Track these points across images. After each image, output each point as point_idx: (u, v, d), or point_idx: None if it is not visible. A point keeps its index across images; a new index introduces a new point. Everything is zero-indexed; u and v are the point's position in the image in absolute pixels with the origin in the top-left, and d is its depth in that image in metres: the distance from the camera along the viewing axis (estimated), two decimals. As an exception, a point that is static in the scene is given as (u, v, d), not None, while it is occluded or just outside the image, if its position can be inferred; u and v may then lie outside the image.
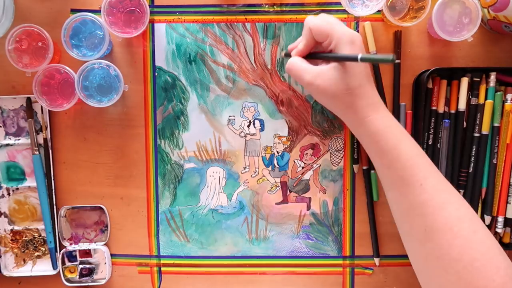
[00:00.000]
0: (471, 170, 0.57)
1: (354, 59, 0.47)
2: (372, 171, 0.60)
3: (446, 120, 0.57)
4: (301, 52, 0.52)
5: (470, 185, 0.57)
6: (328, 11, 0.59)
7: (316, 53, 0.53)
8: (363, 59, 0.45)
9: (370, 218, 0.60)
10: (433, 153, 0.57)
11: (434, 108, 0.57)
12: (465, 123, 0.57)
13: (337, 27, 0.49)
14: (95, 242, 0.62)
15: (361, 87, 0.49)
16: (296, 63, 0.52)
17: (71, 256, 0.62)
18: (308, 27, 0.51)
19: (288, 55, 0.57)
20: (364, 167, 0.60)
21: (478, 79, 0.56)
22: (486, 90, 0.56)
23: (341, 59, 0.49)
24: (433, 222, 0.45)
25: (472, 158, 0.57)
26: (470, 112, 0.57)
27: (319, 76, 0.49)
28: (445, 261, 0.44)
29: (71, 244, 0.62)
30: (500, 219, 0.57)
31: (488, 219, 0.57)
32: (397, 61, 0.59)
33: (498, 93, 0.56)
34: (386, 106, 0.55)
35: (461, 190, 0.57)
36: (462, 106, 0.56)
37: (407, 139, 0.49)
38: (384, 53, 0.59)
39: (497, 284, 0.42)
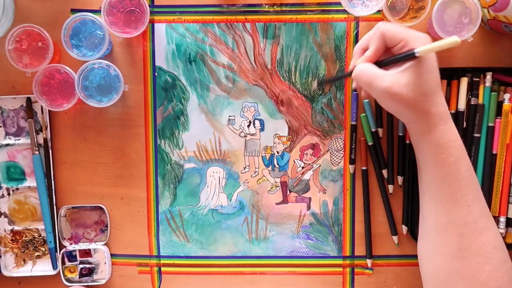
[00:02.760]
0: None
1: (410, 55, 0.45)
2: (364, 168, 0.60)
3: (446, 120, 0.57)
4: (370, 58, 0.49)
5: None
6: (328, 11, 0.59)
7: (382, 61, 0.49)
8: (423, 51, 0.44)
9: (366, 218, 0.60)
10: (433, 153, 0.57)
11: (434, 108, 0.57)
12: (465, 123, 0.57)
13: (411, 31, 0.47)
14: (95, 242, 0.62)
15: (435, 94, 0.47)
16: (368, 69, 0.48)
17: (71, 256, 0.62)
18: (381, 31, 0.48)
19: (322, 83, 0.54)
20: (363, 168, 0.60)
21: (478, 79, 0.56)
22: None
23: (407, 57, 0.46)
24: (470, 244, 0.46)
25: (472, 158, 0.57)
26: (470, 112, 0.57)
27: (396, 82, 0.46)
28: (470, 282, 0.45)
29: (71, 244, 0.62)
30: (502, 219, 0.57)
31: None
32: None
33: (494, 93, 0.56)
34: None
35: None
36: (462, 106, 0.56)
37: (466, 157, 0.48)
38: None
39: None
